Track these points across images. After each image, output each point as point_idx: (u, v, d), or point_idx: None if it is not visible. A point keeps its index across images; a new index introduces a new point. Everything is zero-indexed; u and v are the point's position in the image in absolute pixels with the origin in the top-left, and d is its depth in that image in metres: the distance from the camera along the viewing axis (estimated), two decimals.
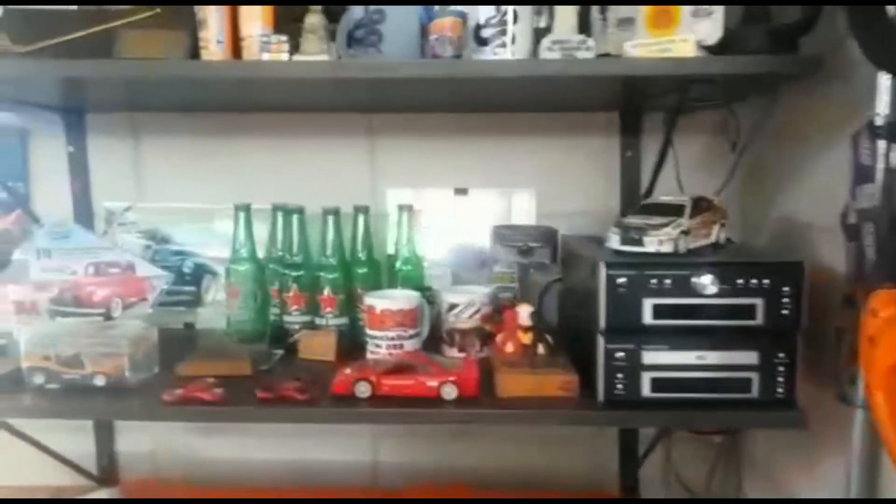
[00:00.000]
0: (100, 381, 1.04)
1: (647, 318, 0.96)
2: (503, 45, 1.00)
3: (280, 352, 1.23)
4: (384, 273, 1.34)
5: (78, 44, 0.97)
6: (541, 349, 1.13)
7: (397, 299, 1.19)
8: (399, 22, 0.99)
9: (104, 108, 1.42)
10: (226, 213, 1.41)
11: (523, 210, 1.45)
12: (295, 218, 1.27)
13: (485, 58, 0.99)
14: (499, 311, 1.27)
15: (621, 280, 0.95)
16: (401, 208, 1.32)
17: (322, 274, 1.25)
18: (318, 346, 1.21)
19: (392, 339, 1.17)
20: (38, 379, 1.04)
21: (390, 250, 1.41)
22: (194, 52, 1.00)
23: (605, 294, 0.95)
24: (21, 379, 1.04)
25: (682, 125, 1.26)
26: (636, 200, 1.44)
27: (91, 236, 1.29)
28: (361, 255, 1.30)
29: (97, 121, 1.44)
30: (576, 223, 1.44)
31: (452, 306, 1.22)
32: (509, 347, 1.14)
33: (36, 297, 1.25)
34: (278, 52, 0.93)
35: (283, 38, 0.94)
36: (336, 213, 1.26)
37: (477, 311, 1.22)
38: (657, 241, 0.98)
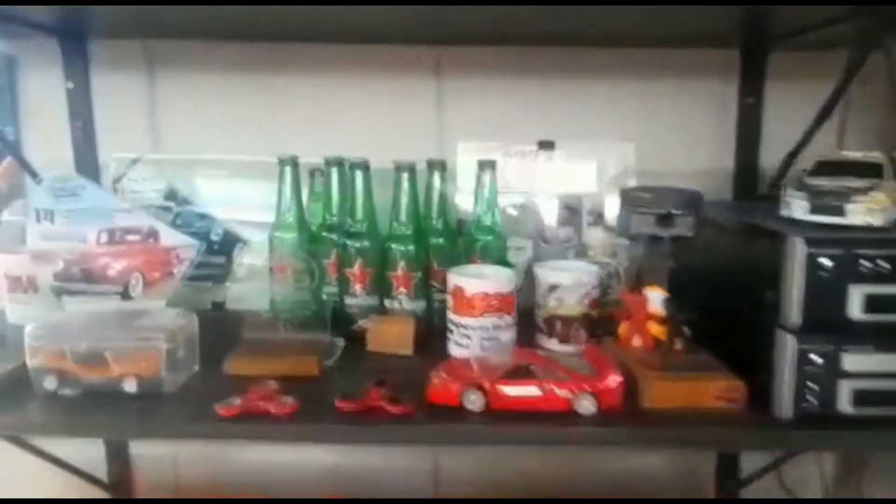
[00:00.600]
0: (130, 387, 0.80)
1: (855, 311, 0.73)
2: None
3: (341, 341, 0.99)
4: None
5: None
6: (678, 345, 0.91)
7: (493, 279, 0.95)
8: None
9: (112, 32, 1.14)
10: (263, 166, 1.17)
11: (620, 168, 1.21)
12: (358, 175, 1.02)
13: None
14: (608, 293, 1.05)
15: (825, 262, 0.72)
16: (481, 165, 1.08)
17: (394, 246, 1.01)
18: (392, 337, 0.98)
19: (486, 328, 0.94)
20: (50, 383, 0.80)
21: (461, 215, 1.18)
22: None
23: (801, 280, 0.73)
24: (27, 381, 0.80)
25: (807, 66, 1.02)
26: (754, 157, 1.21)
27: (105, 194, 1.03)
28: (437, 223, 1.06)
29: (103, 49, 1.16)
30: (682, 183, 1.21)
31: (553, 287, 1.00)
32: (637, 341, 0.92)
33: (34, 271, 1.01)
34: None
35: None
36: (411, 169, 1.01)
37: (585, 295, 0.99)
38: (864, 211, 0.76)
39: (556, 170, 1.22)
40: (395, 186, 1.01)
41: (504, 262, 1.08)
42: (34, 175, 1.11)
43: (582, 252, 1.21)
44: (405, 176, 1.01)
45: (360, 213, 1.02)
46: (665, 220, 0.89)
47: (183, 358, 0.85)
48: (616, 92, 1.22)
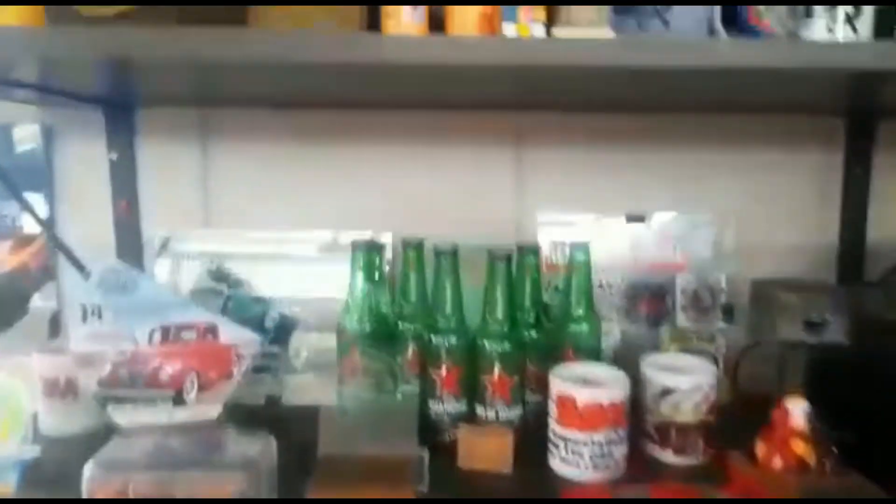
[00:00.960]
0: None
1: None
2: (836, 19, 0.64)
3: (426, 454, 0.87)
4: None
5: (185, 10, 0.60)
6: (827, 466, 0.79)
7: (608, 388, 0.84)
8: None
9: (163, 100, 1.03)
10: (325, 244, 1.07)
11: (718, 244, 1.11)
12: (446, 262, 0.91)
13: (813, 37, 0.64)
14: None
15: None
16: (575, 248, 0.97)
17: (489, 344, 0.89)
18: (489, 453, 0.86)
19: (599, 444, 0.82)
20: None
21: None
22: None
23: None
24: None
25: None
26: (860, 235, 1.11)
27: (160, 288, 0.91)
28: (529, 316, 0.95)
29: (152, 118, 1.06)
30: (781, 261, 1.11)
31: (668, 391, 0.88)
32: (778, 462, 0.80)
33: (75, 373, 0.89)
34: (531, 21, 0.57)
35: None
36: (508, 259, 0.90)
37: (703, 399, 0.88)
38: None
39: (645, 245, 1.11)
40: (489, 277, 0.90)
41: (598, 354, 0.97)
42: (74, 262, 0.99)
43: (675, 336, 1.09)
44: (500, 266, 0.89)
45: (448, 306, 0.90)
46: (815, 325, 0.78)
47: (263, 492, 0.72)
48: (709, 161, 1.12)
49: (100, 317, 0.86)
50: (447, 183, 1.10)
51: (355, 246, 0.95)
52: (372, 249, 0.96)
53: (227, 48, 0.58)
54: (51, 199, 1.06)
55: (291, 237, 1.09)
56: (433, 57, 0.59)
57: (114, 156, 1.05)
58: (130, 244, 1.06)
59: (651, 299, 1.11)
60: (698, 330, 1.09)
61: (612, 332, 1.10)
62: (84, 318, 0.86)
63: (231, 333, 0.92)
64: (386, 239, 1.07)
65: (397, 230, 1.06)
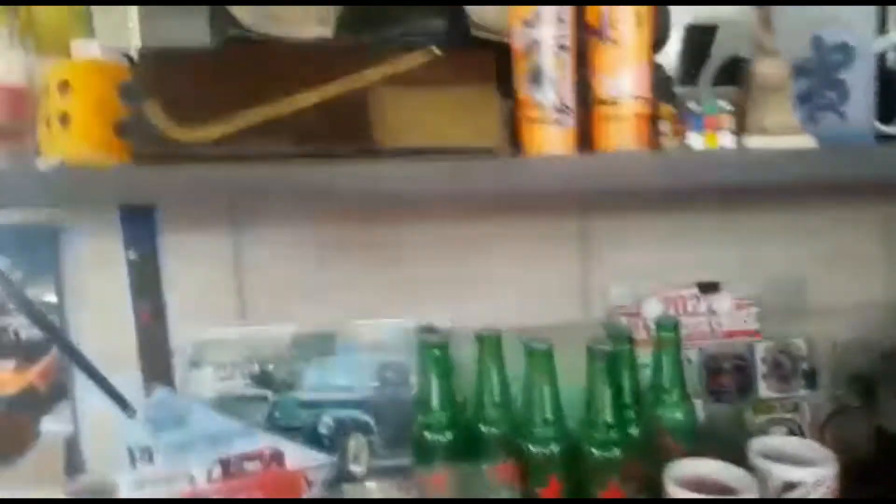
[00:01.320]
0: None
1: None
2: None
3: None
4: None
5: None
6: None
7: (740, 492, 0.76)
8: (866, 60, 0.56)
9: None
10: (375, 337, 0.96)
11: (792, 307, 1.05)
12: (540, 361, 0.81)
13: None
14: None
15: None
16: (661, 327, 0.89)
17: (597, 453, 0.79)
18: None
19: None
20: None
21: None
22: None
23: None
24: None
25: None
26: None
27: (215, 415, 0.78)
28: (630, 411, 0.86)
29: (176, 212, 0.92)
30: (851, 320, 1.07)
31: (790, 485, 0.81)
32: None
33: None
34: (719, 129, 0.49)
35: (725, 104, 0.49)
36: (608, 357, 0.80)
37: (827, 491, 0.81)
38: None
39: (719, 313, 1.04)
40: (590, 378, 0.80)
41: (694, 438, 0.89)
42: (91, 374, 0.85)
43: (759, 408, 1.03)
44: (599, 364, 0.80)
45: (548, 411, 0.81)
46: None
47: None
48: (774, 223, 1.06)
49: (150, 459, 0.73)
50: (507, 259, 1.01)
51: (422, 340, 0.85)
52: (442, 343, 0.85)
53: (355, 183, 0.48)
54: (61, 306, 0.91)
55: (339, 330, 0.97)
56: (593, 180, 0.50)
57: (133, 255, 0.91)
58: (156, 354, 0.92)
59: (731, 370, 1.04)
60: (781, 399, 1.04)
61: (696, 409, 1.03)
62: (132, 462, 0.72)
63: (298, 456, 0.80)
64: (447, 325, 0.96)
65: (456, 315, 0.96)
